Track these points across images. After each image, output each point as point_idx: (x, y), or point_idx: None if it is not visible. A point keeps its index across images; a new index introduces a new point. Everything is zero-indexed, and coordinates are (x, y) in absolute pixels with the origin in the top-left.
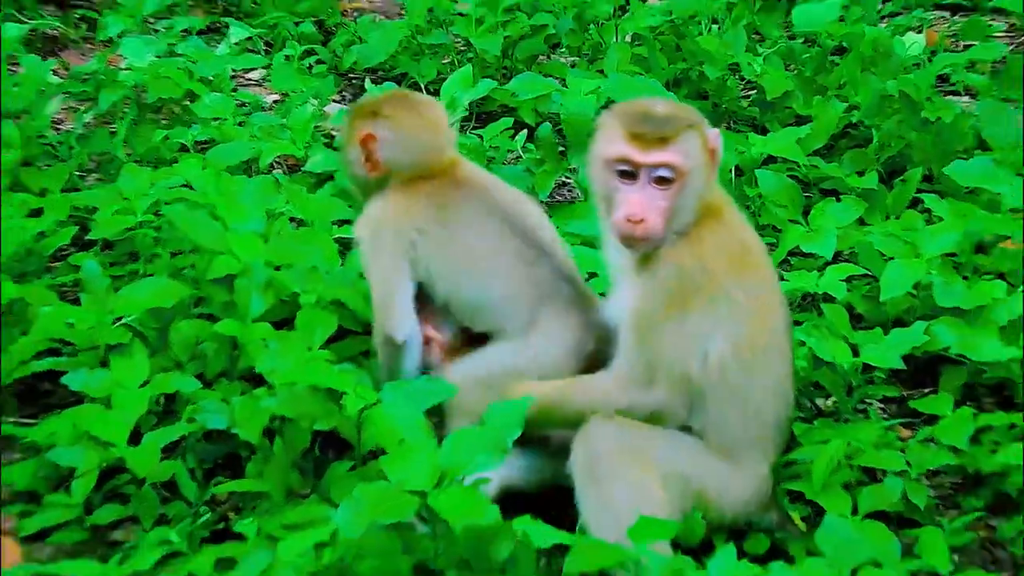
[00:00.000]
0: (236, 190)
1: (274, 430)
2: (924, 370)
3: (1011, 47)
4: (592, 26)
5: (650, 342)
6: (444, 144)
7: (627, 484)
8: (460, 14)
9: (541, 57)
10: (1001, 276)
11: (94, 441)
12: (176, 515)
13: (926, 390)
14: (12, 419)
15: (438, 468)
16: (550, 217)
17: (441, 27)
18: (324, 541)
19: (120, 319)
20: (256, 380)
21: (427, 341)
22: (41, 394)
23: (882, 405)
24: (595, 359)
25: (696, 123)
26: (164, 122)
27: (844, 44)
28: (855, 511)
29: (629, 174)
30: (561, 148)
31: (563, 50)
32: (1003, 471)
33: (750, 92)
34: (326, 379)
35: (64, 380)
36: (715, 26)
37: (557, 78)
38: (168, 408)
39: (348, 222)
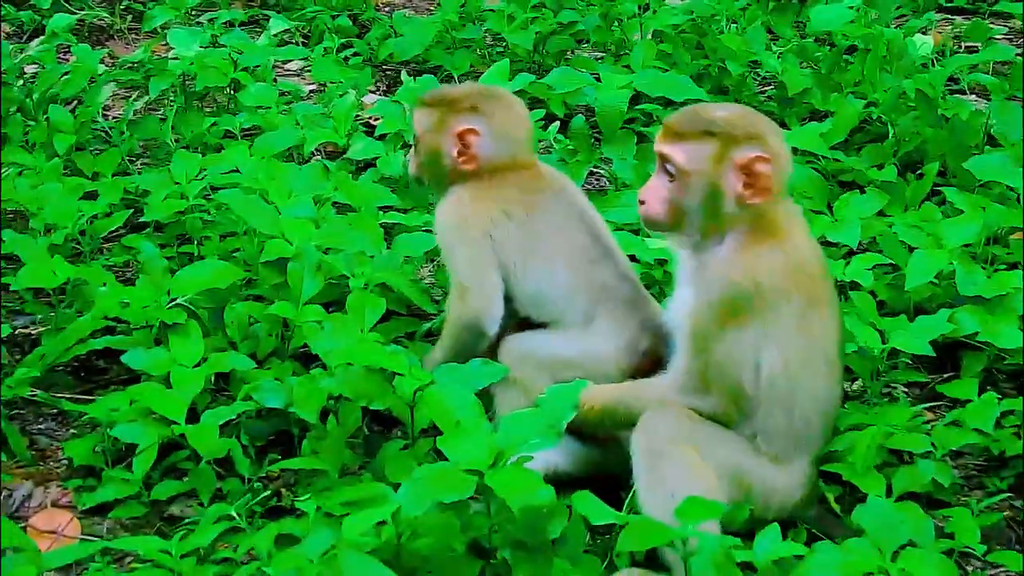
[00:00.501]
0: (286, 176)
1: (329, 409)
2: (944, 356)
3: (1018, 51)
4: (617, 23)
5: (704, 352)
6: (529, 140)
7: (683, 468)
8: (490, 10)
9: (569, 52)
10: (1014, 266)
11: (154, 418)
12: (231, 491)
13: (947, 375)
14: (68, 395)
15: (495, 448)
16: None
17: (473, 23)
18: (385, 519)
19: (174, 300)
20: (307, 360)
21: None
22: (96, 371)
23: (906, 389)
24: (650, 357)
25: (723, 134)
26: (209, 110)
27: (857, 44)
28: (889, 492)
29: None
30: (593, 140)
31: (588, 46)
32: None
33: (765, 88)
34: (382, 360)
35: (123, 359)
36: (733, 25)
37: (589, 72)
38: (219, 387)
39: (392, 208)
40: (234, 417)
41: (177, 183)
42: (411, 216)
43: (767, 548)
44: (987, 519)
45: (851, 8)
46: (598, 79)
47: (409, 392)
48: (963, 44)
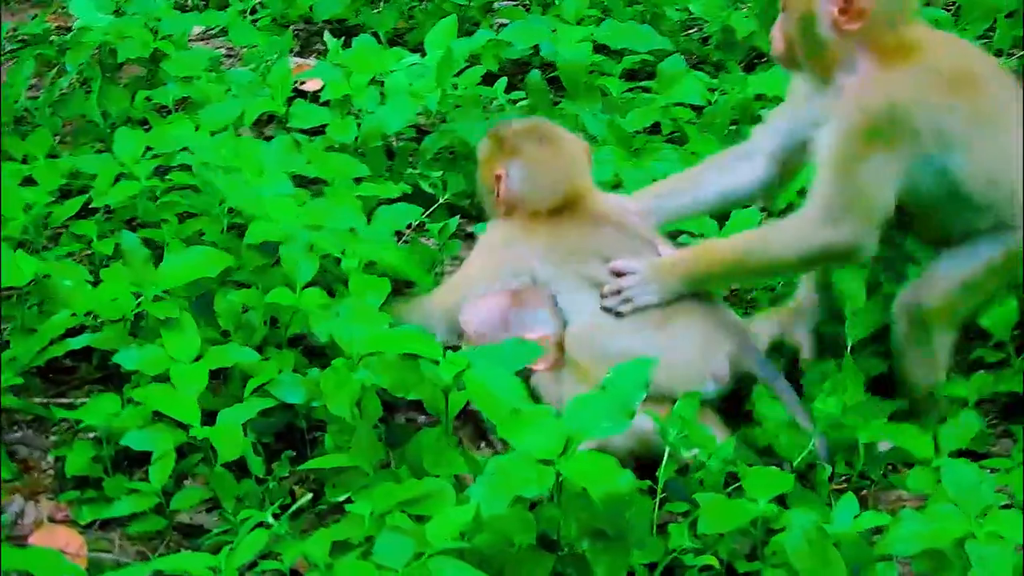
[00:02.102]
0: (254, 152)
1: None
2: None
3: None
4: None
5: (846, 179)
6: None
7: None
8: None
9: (496, 4)
10: None
11: (166, 422)
12: (247, 494)
13: None
14: (40, 399)
15: (564, 434)
16: None
17: None
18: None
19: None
20: (305, 348)
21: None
22: (64, 371)
23: None
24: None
25: None
26: (124, 83)
27: None
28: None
29: None
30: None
31: None
32: None
33: (689, 31)
34: (416, 346)
35: (116, 359)
36: None
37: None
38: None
39: (365, 179)
40: (254, 416)
41: (122, 164)
42: (387, 187)
43: (848, 520)
44: None
45: None
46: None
47: (448, 378)
48: None
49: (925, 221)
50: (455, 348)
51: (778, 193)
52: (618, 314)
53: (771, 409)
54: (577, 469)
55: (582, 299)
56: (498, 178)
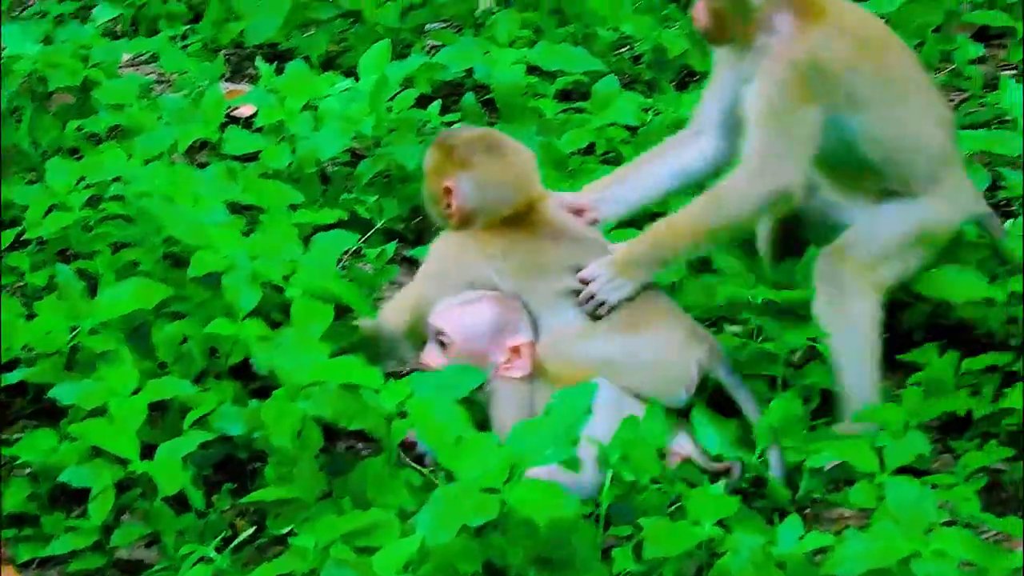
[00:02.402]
0: (190, 180)
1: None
2: None
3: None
4: None
5: (778, 126)
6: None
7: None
8: None
9: (428, 26)
10: None
11: (104, 457)
12: (188, 528)
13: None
14: None
15: (508, 462)
16: None
17: (327, 1)
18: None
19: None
20: (246, 379)
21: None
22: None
23: None
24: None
25: None
26: (54, 111)
27: None
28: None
29: None
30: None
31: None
32: (994, 413)
33: (621, 51)
34: (357, 375)
35: (53, 393)
36: None
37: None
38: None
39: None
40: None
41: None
42: (322, 213)
43: (793, 542)
44: (976, 484)
45: None
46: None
47: (391, 407)
48: None
49: (833, 181)
50: (402, 374)
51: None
52: (597, 317)
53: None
54: (522, 497)
55: (549, 311)
56: (447, 191)
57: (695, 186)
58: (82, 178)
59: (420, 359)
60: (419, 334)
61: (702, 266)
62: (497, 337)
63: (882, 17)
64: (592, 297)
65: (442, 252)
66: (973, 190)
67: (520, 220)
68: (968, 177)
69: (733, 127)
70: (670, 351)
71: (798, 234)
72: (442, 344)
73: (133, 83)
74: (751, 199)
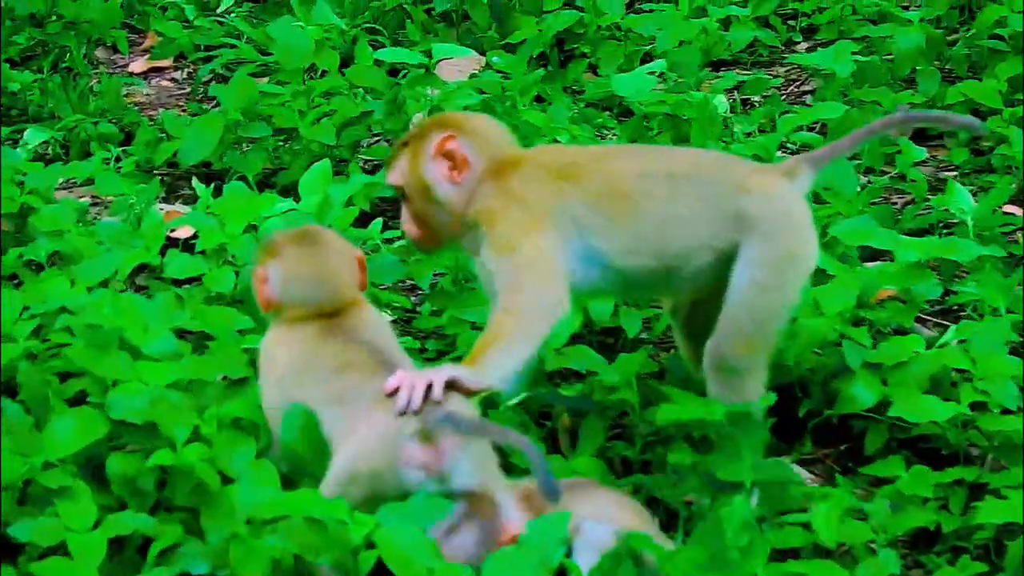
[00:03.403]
0: (136, 309)
1: None
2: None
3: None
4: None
5: (515, 283)
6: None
7: None
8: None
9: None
10: (897, 331)
11: None
12: None
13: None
14: None
15: None
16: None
17: (260, 119)
18: None
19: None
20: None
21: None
22: None
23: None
24: None
25: (412, 137)
26: None
27: (655, 110)
28: None
29: None
30: None
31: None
32: (965, 527)
33: None
34: (321, 508)
35: (9, 531)
36: (519, 98)
37: None
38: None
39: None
40: None
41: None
42: None
43: None
44: None
45: (651, 74)
46: None
47: (359, 539)
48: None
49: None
50: None
51: None
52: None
53: None
54: None
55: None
56: (261, 279)
57: None
58: (26, 307)
59: None
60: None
61: None
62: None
63: (826, 122)
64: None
65: (263, 345)
66: None
67: (327, 319)
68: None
69: None
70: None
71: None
72: None
73: (70, 208)
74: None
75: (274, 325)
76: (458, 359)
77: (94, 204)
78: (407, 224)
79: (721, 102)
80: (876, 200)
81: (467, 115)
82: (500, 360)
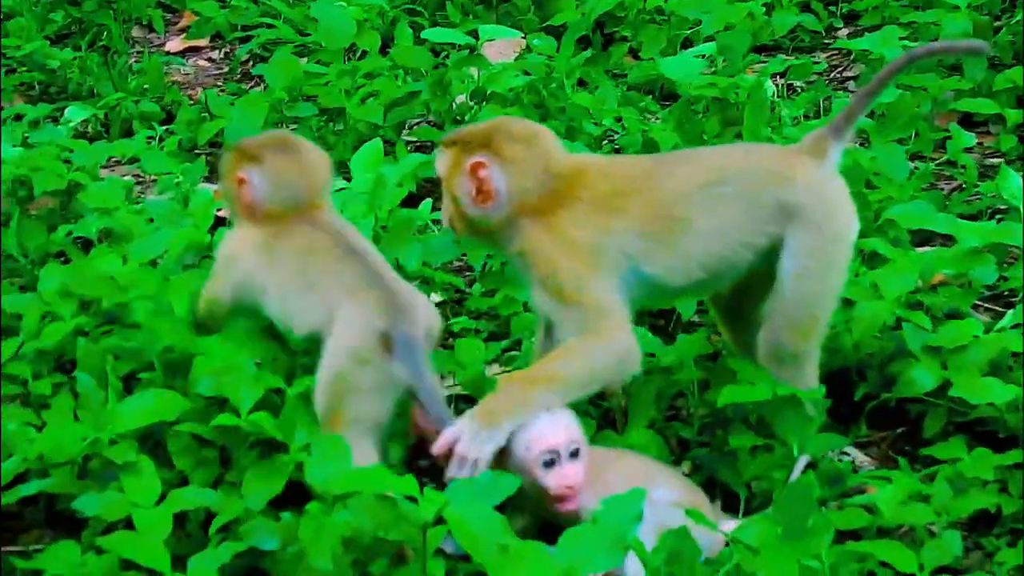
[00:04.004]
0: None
1: None
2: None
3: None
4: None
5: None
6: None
7: None
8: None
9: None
10: (952, 315)
11: (136, 570)
12: None
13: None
14: None
15: (558, 571)
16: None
17: (305, 99)
18: None
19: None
20: None
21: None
22: (7, 516)
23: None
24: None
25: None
26: (34, 214)
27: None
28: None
29: None
30: None
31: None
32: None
33: (602, 144)
34: (393, 484)
35: (75, 505)
36: (566, 80)
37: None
38: None
39: None
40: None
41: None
42: None
43: None
44: None
45: (701, 57)
46: None
47: (429, 515)
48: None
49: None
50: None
51: None
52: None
53: None
54: None
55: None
56: (241, 182)
57: None
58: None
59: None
60: (214, 325)
61: None
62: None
63: (880, 108)
64: (463, 459)
65: (222, 250)
66: None
67: (300, 220)
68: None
69: None
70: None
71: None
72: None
73: (118, 186)
74: (600, 355)
75: (239, 227)
76: (514, 344)
77: (138, 183)
78: (443, 211)
79: (769, 86)
80: (924, 186)
81: (519, 137)
82: (549, 400)
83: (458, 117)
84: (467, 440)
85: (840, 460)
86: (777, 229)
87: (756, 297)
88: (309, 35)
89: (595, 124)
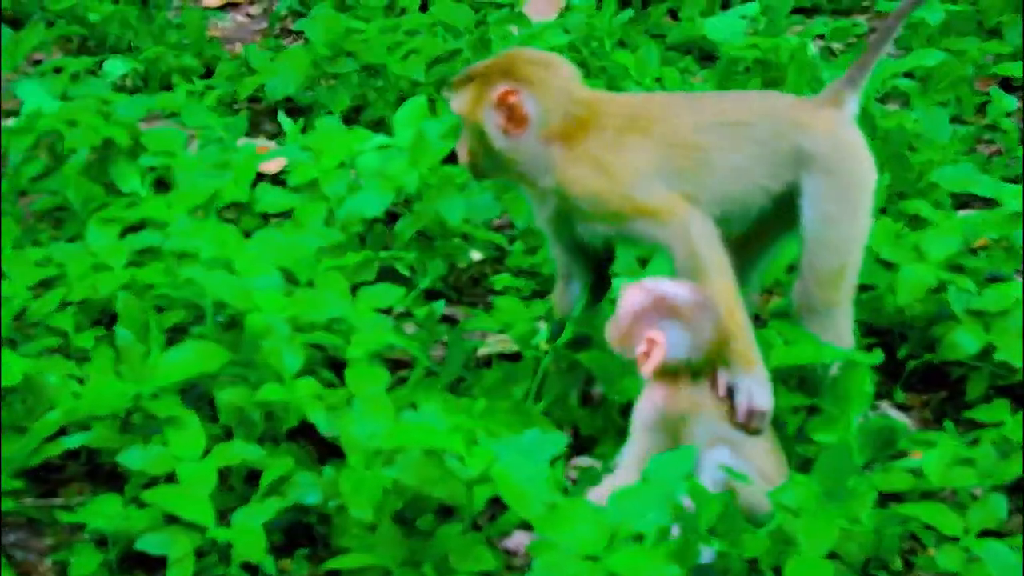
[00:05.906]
0: (241, 242)
1: None
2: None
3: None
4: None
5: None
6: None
7: None
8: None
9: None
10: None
11: (180, 524)
12: None
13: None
14: (31, 500)
15: (608, 527)
16: None
17: (347, 55)
18: None
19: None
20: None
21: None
22: (51, 469)
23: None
24: None
25: (479, 76)
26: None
27: (746, 55)
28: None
29: None
30: None
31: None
32: None
33: None
34: (440, 440)
35: (119, 459)
36: (607, 41)
37: None
38: None
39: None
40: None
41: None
42: (369, 268)
43: None
44: None
45: (744, 18)
46: None
47: (475, 472)
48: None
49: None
50: None
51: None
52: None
53: None
54: (625, 563)
55: None
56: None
57: None
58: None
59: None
60: None
61: None
62: (637, 325)
63: (923, 72)
64: (751, 413)
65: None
66: None
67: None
68: None
69: (582, 252)
70: None
71: None
72: None
73: (180, 133)
74: (703, 240)
75: None
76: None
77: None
78: (461, 148)
79: (812, 48)
80: (964, 150)
81: (539, 62)
82: (734, 291)
83: None
84: (748, 390)
85: None
86: (792, 176)
87: (761, 247)
88: None
89: (636, 84)
